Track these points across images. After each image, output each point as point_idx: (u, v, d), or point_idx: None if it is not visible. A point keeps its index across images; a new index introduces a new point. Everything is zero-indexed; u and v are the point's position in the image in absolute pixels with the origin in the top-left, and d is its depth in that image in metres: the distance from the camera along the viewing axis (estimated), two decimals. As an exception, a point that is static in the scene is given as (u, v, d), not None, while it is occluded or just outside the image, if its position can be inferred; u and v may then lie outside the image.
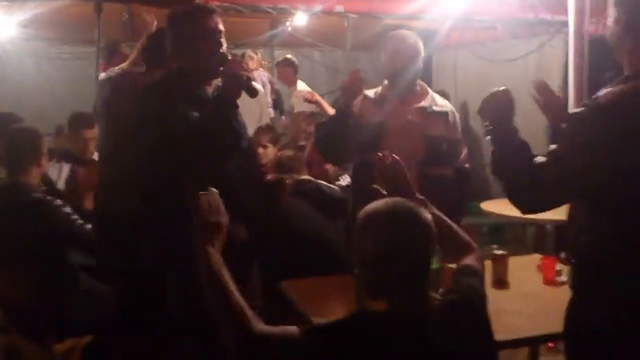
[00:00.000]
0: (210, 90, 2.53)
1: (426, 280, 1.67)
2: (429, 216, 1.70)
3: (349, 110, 3.07)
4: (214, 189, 1.76)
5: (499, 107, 2.06)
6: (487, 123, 2.07)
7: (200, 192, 1.74)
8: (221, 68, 2.44)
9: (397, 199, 1.76)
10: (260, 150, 4.35)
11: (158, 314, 2.56)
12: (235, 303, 1.61)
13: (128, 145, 2.53)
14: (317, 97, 4.82)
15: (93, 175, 3.29)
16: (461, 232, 2.04)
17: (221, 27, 2.50)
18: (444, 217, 2.04)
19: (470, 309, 1.73)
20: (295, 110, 6.18)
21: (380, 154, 2.19)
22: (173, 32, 2.54)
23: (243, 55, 7.00)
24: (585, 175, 1.79)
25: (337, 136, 3.07)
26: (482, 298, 1.80)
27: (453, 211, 3.01)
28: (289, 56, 6.76)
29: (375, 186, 2.43)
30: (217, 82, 2.56)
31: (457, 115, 3.25)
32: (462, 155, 3.24)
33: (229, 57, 2.51)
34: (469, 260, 1.92)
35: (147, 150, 2.39)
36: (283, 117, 7.46)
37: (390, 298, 1.64)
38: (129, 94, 3.15)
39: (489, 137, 2.06)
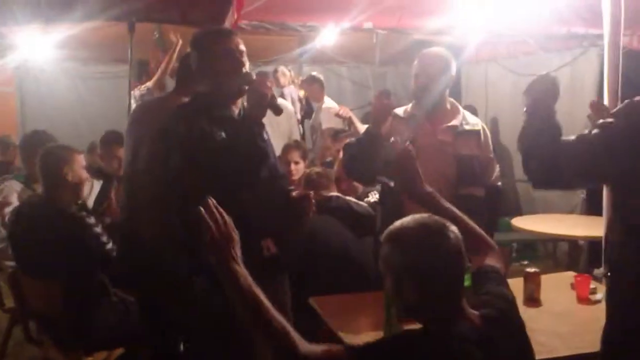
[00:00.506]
0: (236, 110, 2.55)
1: (462, 297, 1.64)
2: (457, 231, 1.66)
3: (377, 134, 3.04)
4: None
5: (544, 88, 2.05)
6: (528, 101, 2.06)
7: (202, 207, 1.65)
8: (245, 87, 2.45)
9: (425, 216, 1.71)
10: (292, 166, 4.36)
11: (187, 328, 2.56)
12: (277, 324, 1.53)
13: (156, 166, 2.54)
14: (349, 113, 4.81)
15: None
16: (478, 229, 1.98)
17: (242, 47, 2.52)
18: (459, 213, 2.00)
19: (508, 323, 1.70)
20: (323, 127, 6.20)
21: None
22: (195, 54, 2.58)
23: (275, 72, 7.05)
24: (608, 158, 1.78)
25: (364, 158, 3.05)
26: (514, 306, 1.77)
27: (484, 230, 2.99)
28: (314, 73, 6.79)
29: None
30: (244, 101, 2.57)
31: (488, 133, 3.21)
32: (494, 174, 3.19)
33: (253, 77, 2.52)
34: (491, 261, 1.88)
35: (175, 171, 2.41)
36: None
37: (428, 318, 1.62)
38: (157, 116, 3.18)
39: (526, 112, 2.05)
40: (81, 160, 3.22)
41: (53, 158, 3.16)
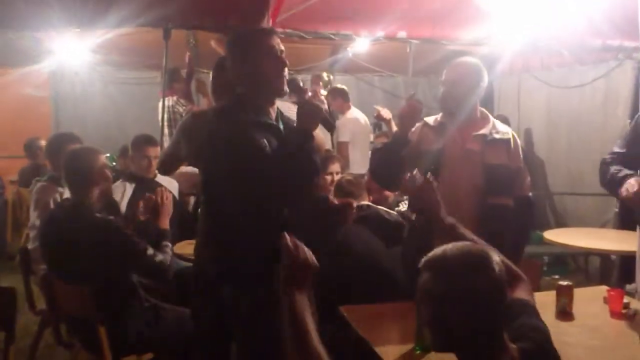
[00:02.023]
0: (272, 115, 2.49)
1: (503, 329, 1.60)
2: (500, 260, 1.61)
3: (405, 138, 3.03)
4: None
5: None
6: None
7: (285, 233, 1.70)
8: (287, 89, 2.43)
9: (468, 244, 1.67)
10: (328, 177, 4.35)
11: (221, 336, 2.55)
12: (314, 351, 1.56)
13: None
14: (389, 115, 4.78)
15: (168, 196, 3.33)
16: (507, 261, 1.91)
17: (282, 46, 2.46)
18: (484, 243, 1.95)
19: (546, 356, 1.66)
20: (340, 139, 6.19)
21: (409, 174, 2.15)
22: (234, 55, 2.50)
23: (319, 77, 7.05)
24: None
25: (392, 163, 3.02)
26: (550, 339, 1.72)
27: (514, 241, 2.95)
28: (338, 85, 6.79)
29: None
30: (281, 107, 2.55)
31: (519, 142, 3.17)
32: (525, 184, 3.14)
33: (300, 83, 2.48)
34: (523, 294, 1.84)
35: (223, 178, 2.36)
36: None
37: (468, 352, 1.58)
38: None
39: None
40: (104, 160, 3.21)
41: (78, 160, 3.14)
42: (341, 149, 6.06)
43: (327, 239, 2.63)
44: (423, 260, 1.63)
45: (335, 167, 4.44)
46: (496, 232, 2.74)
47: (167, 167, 3.01)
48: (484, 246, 1.71)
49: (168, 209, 3.28)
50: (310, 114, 2.36)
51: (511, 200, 3.04)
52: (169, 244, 3.20)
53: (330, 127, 2.47)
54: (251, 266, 2.34)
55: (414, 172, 2.31)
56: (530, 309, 1.80)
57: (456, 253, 1.60)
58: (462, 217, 2.75)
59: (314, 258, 1.71)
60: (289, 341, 1.62)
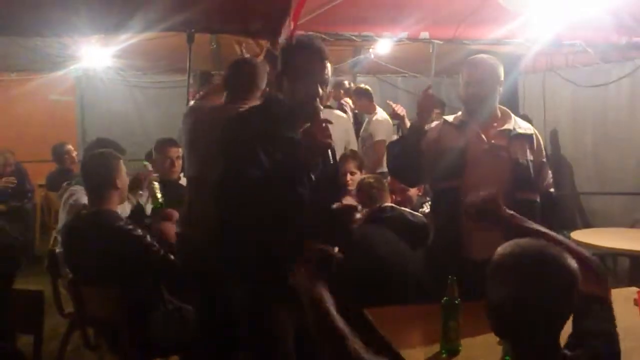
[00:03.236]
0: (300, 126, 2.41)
1: (558, 335, 1.57)
2: (574, 263, 1.57)
3: (422, 129, 3.01)
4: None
5: None
6: None
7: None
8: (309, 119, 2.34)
9: (543, 242, 1.62)
10: (349, 177, 4.35)
11: (244, 339, 2.55)
12: (338, 329, 1.56)
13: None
14: (403, 112, 4.76)
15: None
16: (578, 249, 1.85)
17: (328, 74, 2.37)
18: (553, 234, 1.91)
19: None
20: (376, 138, 6.17)
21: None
22: (289, 60, 2.40)
23: (340, 85, 7.05)
24: None
25: (408, 155, 3.00)
26: (615, 345, 1.70)
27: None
28: (362, 86, 6.77)
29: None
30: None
31: (541, 139, 3.14)
32: (548, 180, 3.12)
33: (319, 112, 2.40)
34: (593, 287, 1.77)
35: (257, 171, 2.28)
36: None
37: (519, 352, 1.57)
38: (210, 122, 3.17)
39: None
40: (123, 166, 3.23)
41: (104, 164, 3.14)
42: (378, 147, 6.02)
43: (340, 241, 2.60)
44: (493, 260, 1.61)
45: (350, 165, 4.44)
46: None
47: None
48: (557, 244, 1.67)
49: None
50: (312, 149, 2.27)
51: (538, 196, 3.02)
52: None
53: (327, 164, 2.44)
54: (262, 267, 2.31)
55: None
56: (602, 308, 1.76)
57: (529, 251, 1.57)
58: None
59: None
60: (312, 326, 1.60)
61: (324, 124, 2.29)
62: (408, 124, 4.68)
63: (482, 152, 2.96)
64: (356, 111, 7.20)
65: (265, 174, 2.25)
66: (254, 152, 2.27)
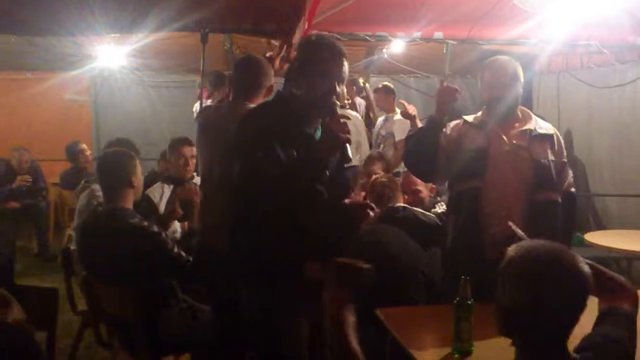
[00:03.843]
0: (315, 123, 2.44)
1: (566, 339, 1.57)
2: (587, 269, 1.57)
3: (440, 121, 3.00)
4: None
5: None
6: None
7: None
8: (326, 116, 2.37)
9: (557, 246, 1.61)
10: (373, 177, 4.33)
11: (256, 338, 2.55)
12: (353, 351, 1.59)
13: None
14: (415, 112, 4.75)
15: (190, 194, 3.34)
16: (605, 270, 1.87)
17: (345, 72, 2.39)
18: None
19: None
20: (397, 138, 6.14)
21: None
22: (307, 57, 2.41)
23: (355, 83, 7.04)
24: None
25: (425, 148, 2.99)
26: (624, 355, 1.67)
27: (561, 238, 2.91)
28: (386, 83, 6.76)
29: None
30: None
31: (561, 139, 3.13)
32: (569, 180, 3.10)
33: (336, 109, 2.41)
34: (619, 302, 1.79)
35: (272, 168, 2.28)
36: None
37: (528, 351, 1.57)
38: (216, 121, 3.19)
39: None
40: (139, 165, 3.23)
41: (120, 162, 3.15)
42: (401, 147, 5.99)
43: (352, 241, 2.59)
44: (504, 260, 1.61)
45: (376, 167, 4.42)
46: (547, 228, 2.74)
47: None
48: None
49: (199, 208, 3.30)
50: (330, 145, 2.30)
51: (559, 196, 3.01)
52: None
53: (348, 160, 2.43)
54: (279, 266, 2.30)
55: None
56: (624, 319, 1.74)
57: (542, 255, 1.56)
58: (511, 214, 2.73)
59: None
60: (330, 340, 1.64)
61: (342, 120, 2.30)
62: (419, 124, 4.67)
63: (503, 152, 2.95)
64: (369, 111, 7.19)
65: (283, 170, 2.25)
66: (271, 148, 2.27)
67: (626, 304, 1.79)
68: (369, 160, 4.45)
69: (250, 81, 3.22)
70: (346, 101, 5.87)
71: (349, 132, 2.33)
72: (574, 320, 1.56)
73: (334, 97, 2.36)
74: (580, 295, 1.54)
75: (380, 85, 6.76)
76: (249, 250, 2.37)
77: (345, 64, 2.39)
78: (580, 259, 1.58)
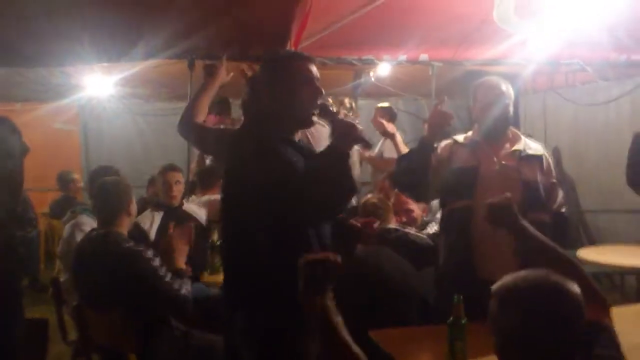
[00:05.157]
0: (297, 137, 2.47)
1: None
2: (576, 290, 1.54)
3: (432, 144, 3.02)
4: None
5: None
6: None
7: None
8: (315, 119, 2.40)
9: (543, 273, 1.59)
10: (365, 199, 4.34)
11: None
12: (346, 343, 1.57)
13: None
14: (394, 130, 4.77)
15: (187, 231, 3.33)
16: (587, 278, 1.85)
17: (318, 74, 2.43)
18: (560, 251, 1.92)
19: None
20: (385, 156, 6.18)
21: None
22: (270, 75, 2.45)
23: (341, 103, 7.06)
24: None
25: (416, 170, 3.01)
26: None
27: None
28: (387, 104, 6.78)
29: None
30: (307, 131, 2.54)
31: (551, 159, 3.15)
32: (558, 200, 3.12)
33: (330, 107, 2.45)
34: (601, 317, 1.75)
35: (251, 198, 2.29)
36: None
37: None
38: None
39: None
40: (133, 193, 3.28)
41: (119, 192, 3.21)
42: (387, 164, 6.00)
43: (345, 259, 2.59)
44: (493, 287, 1.59)
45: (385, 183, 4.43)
46: None
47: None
48: (562, 272, 1.61)
49: (183, 250, 3.29)
50: (346, 132, 2.30)
51: (548, 217, 3.03)
52: (187, 281, 3.18)
53: (367, 145, 2.45)
54: (270, 292, 2.28)
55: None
56: (607, 336, 1.72)
57: (527, 283, 1.54)
58: (501, 235, 2.74)
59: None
60: (320, 342, 1.62)
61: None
62: (401, 145, 4.71)
63: (493, 172, 2.98)
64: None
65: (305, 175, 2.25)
66: (282, 158, 2.27)
67: (607, 318, 1.77)
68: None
69: None
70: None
71: (359, 123, 2.34)
72: (572, 343, 1.53)
73: (318, 99, 2.39)
74: (571, 316, 1.52)
75: (385, 107, 6.75)
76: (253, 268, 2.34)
77: (315, 68, 2.43)
78: (568, 280, 1.56)
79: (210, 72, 2.98)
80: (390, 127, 4.57)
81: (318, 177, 2.24)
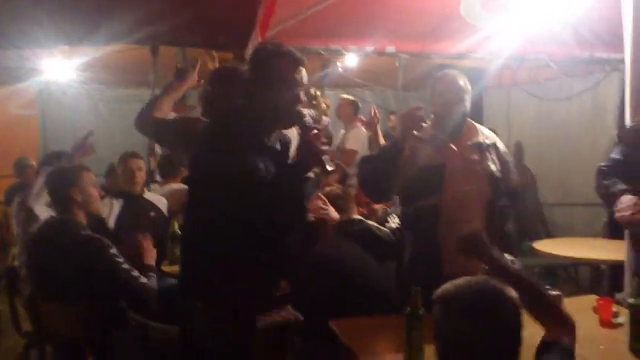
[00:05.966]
0: (272, 136, 2.43)
1: None
2: (515, 295, 1.57)
3: (401, 147, 2.98)
4: None
5: None
6: None
7: None
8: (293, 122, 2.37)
9: (483, 279, 1.62)
10: (327, 189, 4.31)
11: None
12: None
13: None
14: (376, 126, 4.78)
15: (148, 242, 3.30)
16: (550, 297, 1.92)
17: (305, 78, 2.38)
18: (531, 280, 1.93)
19: None
20: (347, 147, 6.17)
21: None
22: (255, 69, 2.41)
23: (316, 97, 7.03)
24: None
25: (383, 171, 2.98)
26: None
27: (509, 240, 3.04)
28: (349, 97, 6.76)
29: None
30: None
31: (501, 143, 3.21)
32: (512, 177, 3.18)
33: (306, 117, 2.36)
34: (563, 338, 1.77)
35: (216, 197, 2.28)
36: None
37: None
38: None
39: None
40: (89, 177, 3.18)
41: (59, 179, 3.14)
42: (348, 156, 6.00)
43: (308, 255, 2.58)
44: (436, 293, 1.61)
45: (330, 178, 4.40)
46: (501, 229, 2.91)
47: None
48: (529, 299, 1.67)
49: (151, 253, 3.26)
50: (309, 156, 2.29)
51: (507, 200, 3.10)
52: (154, 275, 3.16)
53: (325, 172, 2.42)
54: (228, 283, 2.28)
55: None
56: (563, 352, 1.74)
57: (467, 289, 1.57)
58: (470, 226, 2.76)
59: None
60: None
61: (315, 131, 2.28)
62: (381, 138, 4.71)
63: (459, 168, 2.98)
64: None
65: (268, 181, 2.25)
66: (248, 162, 2.25)
67: (566, 337, 1.79)
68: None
69: None
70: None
71: (325, 144, 2.32)
72: (512, 348, 1.55)
73: (300, 106, 2.36)
74: (514, 320, 1.54)
75: (350, 99, 6.72)
76: (210, 264, 2.33)
77: (304, 71, 2.38)
78: (506, 286, 1.59)
79: (181, 77, 2.88)
80: (373, 122, 4.62)
81: (273, 191, 2.25)
